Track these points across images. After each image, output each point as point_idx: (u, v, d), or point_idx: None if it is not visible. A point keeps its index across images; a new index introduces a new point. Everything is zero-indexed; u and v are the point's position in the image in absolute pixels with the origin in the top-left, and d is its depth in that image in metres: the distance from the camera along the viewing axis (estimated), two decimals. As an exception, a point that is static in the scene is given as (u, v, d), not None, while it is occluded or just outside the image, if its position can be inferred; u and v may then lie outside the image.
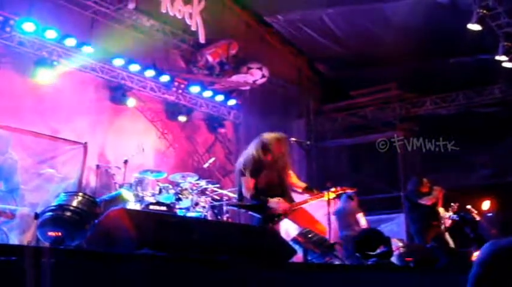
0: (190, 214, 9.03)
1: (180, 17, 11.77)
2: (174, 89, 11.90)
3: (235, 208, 6.96)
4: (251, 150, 6.87)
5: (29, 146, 9.14)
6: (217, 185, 10.13)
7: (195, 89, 12.41)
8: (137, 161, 10.22)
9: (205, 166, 11.10)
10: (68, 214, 4.74)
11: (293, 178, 7.04)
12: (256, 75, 12.76)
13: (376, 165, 14.18)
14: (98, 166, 10.29)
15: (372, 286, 5.21)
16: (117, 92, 11.23)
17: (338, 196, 7.55)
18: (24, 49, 9.86)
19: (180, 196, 9.15)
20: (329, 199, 7.22)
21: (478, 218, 9.41)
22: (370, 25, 12.73)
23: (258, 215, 6.53)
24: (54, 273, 3.12)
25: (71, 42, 10.11)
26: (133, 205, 8.52)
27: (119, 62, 10.91)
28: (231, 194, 9.88)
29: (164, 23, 11.79)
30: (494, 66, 11.56)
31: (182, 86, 11.93)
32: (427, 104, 14.29)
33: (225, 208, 10.08)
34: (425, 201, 9.39)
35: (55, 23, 9.90)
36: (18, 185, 6.95)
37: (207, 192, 9.84)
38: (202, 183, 9.76)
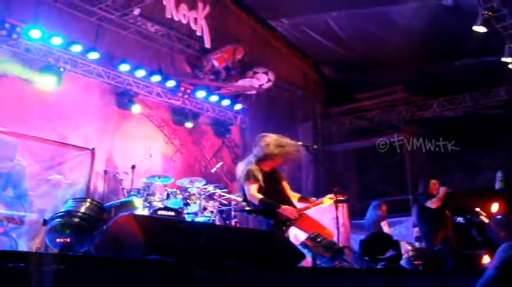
0: (198, 219, 9.02)
1: (185, 22, 11.80)
2: (180, 94, 11.90)
3: (245, 214, 6.90)
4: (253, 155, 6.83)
5: (37, 152, 9.16)
6: (225, 190, 10.12)
7: (201, 94, 12.41)
8: (145, 166, 10.23)
9: (213, 170, 11.10)
10: (76, 220, 4.75)
11: (287, 189, 7.01)
12: (262, 79, 12.77)
13: (383, 168, 14.16)
14: (105, 172, 10.29)
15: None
16: (123, 98, 11.24)
17: (344, 201, 7.53)
18: (31, 56, 9.89)
19: (188, 201, 9.14)
20: (337, 203, 7.22)
21: (486, 220, 9.36)
22: (375, 28, 12.72)
23: (270, 221, 6.49)
24: (62, 279, 3.12)
25: (77, 48, 10.14)
26: (141, 211, 8.52)
27: (124, 67, 10.93)
28: (239, 199, 9.87)
29: (169, 28, 11.82)
30: (500, 68, 11.52)
31: (188, 91, 11.93)
32: (433, 106, 14.27)
33: (233, 213, 10.08)
34: (431, 204, 9.37)
35: (61, 29, 9.93)
36: (26, 191, 6.97)
37: (215, 197, 9.84)
38: (210, 188, 9.76)
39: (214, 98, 12.77)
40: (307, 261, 5.60)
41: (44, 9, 9.83)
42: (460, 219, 9.50)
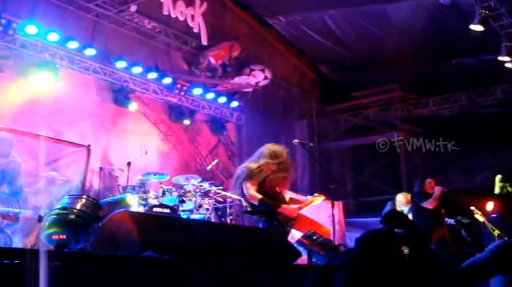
0: (193, 216, 9.02)
1: (182, 19, 11.78)
2: (177, 91, 11.89)
3: (250, 215, 6.86)
4: (257, 158, 6.81)
5: (32, 148, 9.12)
6: (221, 187, 10.11)
7: (197, 91, 12.40)
8: (140, 163, 10.23)
9: (209, 168, 11.09)
10: (72, 216, 4.72)
11: (282, 191, 7.00)
12: (258, 77, 12.76)
13: (378, 166, 14.17)
14: (101, 168, 10.28)
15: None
16: (119, 94, 11.23)
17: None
18: (27, 52, 9.86)
19: (183, 198, 9.14)
20: (333, 201, 7.22)
21: (481, 219, 9.37)
22: (372, 26, 12.71)
23: (274, 221, 6.45)
24: (58, 276, 3.11)
25: (73, 45, 10.12)
26: (136, 208, 8.51)
27: (121, 64, 10.91)
28: (235, 196, 9.85)
29: (166, 25, 11.80)
30: (497, 67, 11.53)
31: (185, 88, 11.92)
32: (429, 105, 14.28)
33: (228, 210, 10.08)
34: (427, 205, 9.32)
35: (58, 25, 9.91)
36: (21, 188, 6.97)
37: (211, 194, 9.82)
38: (206, 185, 9.74)
39: (210, 95, 12.76)
40: (303, 259, 5.60)
41: (41, 5, 9.80)
42: (450, 221, 9.51)
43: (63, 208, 4.85)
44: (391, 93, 14.53)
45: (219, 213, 10.05)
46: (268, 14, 13.59)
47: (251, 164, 6.72)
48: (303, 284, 3.83)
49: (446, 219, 9.48)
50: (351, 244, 9.53)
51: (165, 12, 11.45)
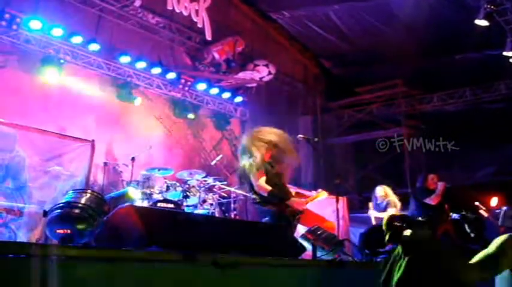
0: (197, 211, 9.02)
1: (186, 14, 11.77)
2: (181, 86, 11.90)
3: (257, 206, 6.78)
4: (247, 152, 6.73)
5: (36, 143, 9.10)
6: (225, 183, 10.11)
7: (201, 86, 12.39)
8: (144, 158, 10.22)
9: (213, 163, 11.08)
10: (77, 211, 4.73)
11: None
12: (262, 72, 12.75)
13: (382, 162, 14.15)
14: (105, 163, 10.26)
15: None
16: (123, 90, 11.23)
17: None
18: (31, 47, 9.87)
19: (187, 193, 9.14)
20: (337, 196, 7.22)
21: (486, 214, 9.36)
22: (376, 22, 12.69)
23: (283, 213, 6.40)
24: (63, 270, 3.12)
25: (77, 39, 10.12)
26: (140, 203, 8.51)
27: (125, 59, 10.91)
28: (239, 191, 9.87)
29: (170, 20, 11.79)
30: (502, 62, 11.51)
31: (189, 83, 11.92)
32: (434, 100, 14.26)
33: (232, 205, 10.07)
34: (430, 201, 9.28)
35: (61, 20, 9.90)
36: (25, 182, 6.97)
37: (215, 189, 9.83)
38: (210, 180, 9.74)
39: (214, 91, 12.75)
40: (308, 254, 5.60)
41: (44, 0, 9.80)
42: (455, 215, 9.49)
43: (68, 203, 4.86)
44: (394, 89, 14.53)
45: (223, 208, 10.05)
46: (272, 9, 13.59)
47: (248, 160, 6.61)
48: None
49: (451, 214, 9.47)
50: (354, 239, 9.53)
51: (169, 7, 11.44)
